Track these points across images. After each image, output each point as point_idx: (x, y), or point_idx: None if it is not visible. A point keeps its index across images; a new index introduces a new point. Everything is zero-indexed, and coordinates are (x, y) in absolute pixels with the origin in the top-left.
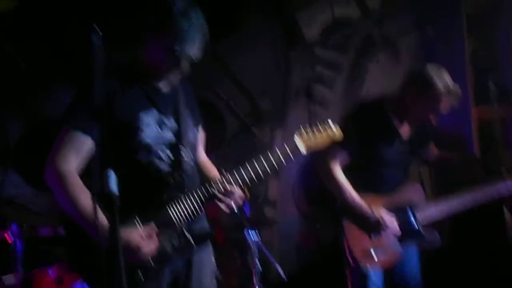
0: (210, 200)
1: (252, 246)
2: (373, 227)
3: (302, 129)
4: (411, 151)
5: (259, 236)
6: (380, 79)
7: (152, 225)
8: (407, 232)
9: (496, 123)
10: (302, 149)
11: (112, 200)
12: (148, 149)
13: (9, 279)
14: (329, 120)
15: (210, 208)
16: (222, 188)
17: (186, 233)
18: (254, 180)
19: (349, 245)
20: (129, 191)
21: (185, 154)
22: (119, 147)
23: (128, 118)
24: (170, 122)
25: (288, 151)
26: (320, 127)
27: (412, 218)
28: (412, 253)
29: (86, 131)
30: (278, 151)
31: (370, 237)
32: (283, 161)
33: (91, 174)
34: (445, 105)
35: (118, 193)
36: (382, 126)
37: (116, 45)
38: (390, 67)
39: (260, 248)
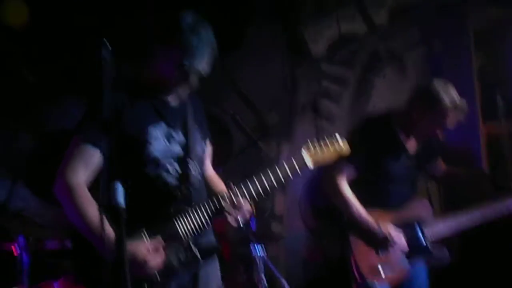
0: (217, 214)
1: (258, 261)
2: (380, 242)
3: (310, 143)
4: (418, 166)
5: (265, 251)
6: (386, 94)
7: (159, 238)
8: (415, 249)
9: (504, 139)
10: (310, 163)
11: (119, 213)
12: (156, 162)
13: None
14: (337, 135)
15: (217, 223)
16: (229, 202)
17: (193, 247)
18: (261, 194)
19: (356, 261)
20: (137, 204)
21: (193, 168)
22: (128, 160)
23: (136, 132)
24: (178, 136)
25: (296, 165)
26: (327, 141)
27: (420, 234)
28: (421, 269)
29: (95, 144)
30: (285, 165)
31: (377, 253)
32: (290, 175)
33: (99, 187)
34: (452, 120)
35: (126, 206)
36: (388, 141)
37: (126, 59)
38: (397, 82)
39: (266, 263)
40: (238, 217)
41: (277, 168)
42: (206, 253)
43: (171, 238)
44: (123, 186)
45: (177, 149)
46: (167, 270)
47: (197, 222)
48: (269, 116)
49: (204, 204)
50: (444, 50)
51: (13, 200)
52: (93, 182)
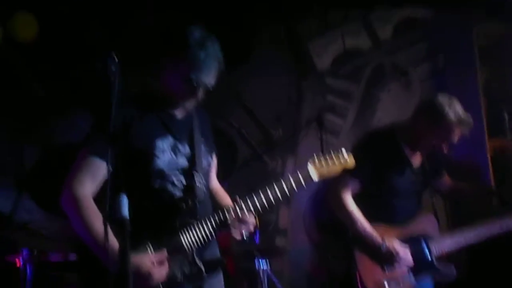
0: (222, 227)
1: (262, 275)
2: (386, 258)
3: (316, 157)
4: (423, 180)
5: (269, 265)
6: (391, 109)
7: (164, 251)
8: (421, 264)
9: (510, 154)
10: (315, 177)
11: (124, 225)
12: (162, 175)
13: None
14: (343, 149)
15: (222, 236)
16: (234, 215)
17: (198, 261)
18: (265, 207)
19: (361, 276)
20: (142, 216)
21: (198, 180)
22: (134, 173)
23: (144, 145)
24: (184, 148)
25: (301, 178)
26: (333, 155)
27: (426, 250)
28: (427, 285)
29: (103, 157)
30: (291, 178)
31: (383, 269)
32: (295, 188)
33: (104, 199)
34: (456, 135)
35: (131, 218)
36: (393, 155)
37: (134, 73)
38: (402, 97)
39: (270, 277)
40: (243, 230)
41: (282, 181)
42: (211, 267)
43: (175, 251)
44: (128, 198)
45: (182, 161)
46: (171, 283)
47: (202, 236)
48: (274, 130)
49: (210, 217)
50: (449, 65)
51: (19, 212)
52: (98, 194)
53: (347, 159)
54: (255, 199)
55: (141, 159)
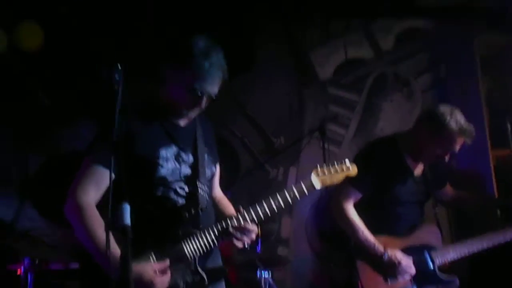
0: (225, 236)
1: (264, 285)
2: (388, 268)
3: (319, 167)
4: (425, 190)
5: (271, 275)
6: (394, 118)
7: (166, 260)
8: (424, 275)
9: None
10: (318, 185)
11: (125, 233)
12: (165, 184)
13: None
14: (346, 160)
15: (224, 246)
16: (238, 225)
17: (200, 270)
18: (268, 215)
19: (363, 286)
20: (145, 224)
21: (202, 189)
22: (138, 181)
23: (148, 154)
24: (188, 157)
25: (304, 188)
26: (337, 166)
27: (429, 261)
28: None
29: (107, 165)
30: (294, 189)
31: (386, 280)
32: (298, 197)
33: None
34: (458, 145)
35: (134, 227)
36: (394, 165)
37: (138, 82)
38: (404, 107)
39: (272, 287)
40: (245, 239)
41: (285, 191)
42: (213, 276)
43: (178, 260)
44: (131, 206)
45: (186, 170)
46: None
47: (205, 245)
48: (276, 139)
49: (213, 227)
50: (451, 76)
51: (21, 220)
52: (101, 202)
53: (350, 167)
54: (258, 209)
55: (145, 168)
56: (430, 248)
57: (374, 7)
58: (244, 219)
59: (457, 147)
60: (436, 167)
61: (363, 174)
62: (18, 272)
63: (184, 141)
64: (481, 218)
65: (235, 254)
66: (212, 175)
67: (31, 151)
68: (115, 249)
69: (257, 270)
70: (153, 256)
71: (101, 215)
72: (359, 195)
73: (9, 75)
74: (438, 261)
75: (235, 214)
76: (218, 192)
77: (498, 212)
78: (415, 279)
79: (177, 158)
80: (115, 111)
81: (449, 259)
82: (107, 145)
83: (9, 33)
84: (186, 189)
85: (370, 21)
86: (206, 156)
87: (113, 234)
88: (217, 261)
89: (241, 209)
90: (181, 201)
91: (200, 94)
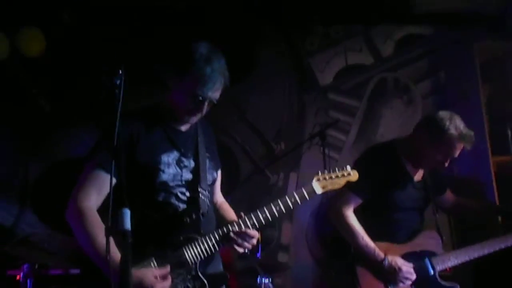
0: (226, 242)
1: None
2: (388, 274)
3: (320, 174)
4: (425, 196)
5: (271, 281)
6: (394, 124)
7: (167, 266)
8: (425, 282)
9: None
10: (319, 190)
11: (125, 237)
12: (166, 189)
13: None
14: (348, 166)
15: (224, 253)
16: (239, 230)
17: (201, 275)
18: (269, 220)
19: None
20: (146, 230)
21: (203, 194)
22: (139, 186)
23: (150, 160)
24: (189, 162)
25: (305, 193)
26: (338, 172)
27: (430, 267)
28: None
29: (108, 170)
30: (295, 195)
31: (386, 286)
32: (299, 202)
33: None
34: (458, 150)
35: (135, 232)
36: (394, 170)
37: (140, 88)
38: (404, 113)
39: None
40: (246, 245)
41: (287, 197)
42: (214, 282)
43: (179, 265)
44: (132, 211)
45: (187, 175)
46: None
47: (206, 251)
48: (276, 144)
49: (214, 232)
50: (451, 82)
51: (20, 225)
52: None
53: (351, 173)
54: (259, 214)
55: (146, 173)
56: (430, 254)
57: (374, 14)
58: (245, 224)
59: (457, 153)
60: (436, 173)
61: (363, 180)
62: (18, 278)
63: (186, 146)
64: (482, 224)
65: (236, 260)
66: (213, 181)
67: (31, 157)
68: (116, 254)
69: (257, 276)
70: (154, 261)
71: (103, 220)
72: (359, 201)
73: (10, 80)
74: (438, 268)
75: (236, 219)
76: (219, 197)
77: (499, 218)
78: (415, 285)
79: (179, 163)
80: (116, 117)
81: (449, 266)
82: (108, 150)
83: (11, 38)
84: (187, 194)
85: (370, 27)
86: (207, 161)
87: (114, 239)
88: (218, 267)
89: (243, 215)
90: (182, 206)
91: (201, 99)
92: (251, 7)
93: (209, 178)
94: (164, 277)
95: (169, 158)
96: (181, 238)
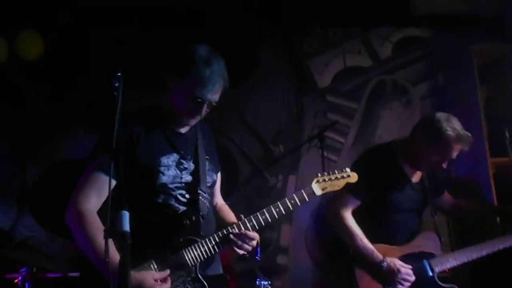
0: (226, 244)
1: None
2: (387, 276)
3: (320, 175)
4: (423, 197)
5: (270, 283)
6: (392, 126)
7: (167, 268)
8: (423, 284)
9: None
10: (318, 191)
11: (124, 239)
12: (166, 191)
13: None
14: (347, 168)
15: (224, 255)
16: (239, 233)
17: (201, 277)
18: (268, 222)
19: None
20: (146, 232)
21: (202, 196)
22: (139, 188)
23: (150, 162)
24: (189, 164)
25: (305, 195)
26: (337, 173)
27: (428, 268)
28: None
29: (108, 172)
30: (295, 197)
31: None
32: (299, 204)
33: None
34: (455, 151)
35: (135, 234)
36: (391, 171)
37: (139, 89)
38: (402, 115)
39: None
40: (246, 247)
41: (286, 200)
42: (214, 284)
43: (179, 267)
44: (132, 213)
45: (187, 177)
46: None
47: (206, 253)
48: (275, 146)
49: (213, 234)
50: (449, 84)
51: (19, 228)
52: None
53: (351, 175)
54: (259, 216)
55: (146, 175)
56: (429, 256)
57: (373, 16)
58: (245, 226)
59: (455, 154)
60: (434, 175)
61: (361, 181)
62: (16, 281)
63: (185, 148)
64: (481, 225)
65: (235, 263)
66: (213, 182)
67: (30, 160)
68: (115, 256)
69: (256, 278)
70: (154, 264)
71: (102, 222)
72: (357, 202)
73: (9, 83)
74: (437, 269)
75: (236, 221)
76: (219, 199)
77: (498, 219)
78: (414, 287)
79: (178, 165)
80: (116, 120)
81: (448, 267)
82: (108, 152)
83: (9, 41)
84: (187, 196)
85: (368, 30)
86: (207, 163)
87: (114, 241)
88: (218, 269)
89: (242, 217)
90: (182, 208)
91: (200, 101)
92: (251, 8)
93: (209, 180)
94: (164, 280)
95: (169, 160)
96: (181, 240)
